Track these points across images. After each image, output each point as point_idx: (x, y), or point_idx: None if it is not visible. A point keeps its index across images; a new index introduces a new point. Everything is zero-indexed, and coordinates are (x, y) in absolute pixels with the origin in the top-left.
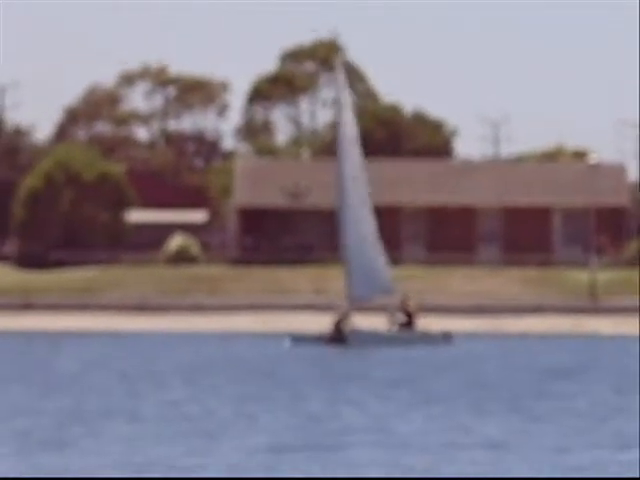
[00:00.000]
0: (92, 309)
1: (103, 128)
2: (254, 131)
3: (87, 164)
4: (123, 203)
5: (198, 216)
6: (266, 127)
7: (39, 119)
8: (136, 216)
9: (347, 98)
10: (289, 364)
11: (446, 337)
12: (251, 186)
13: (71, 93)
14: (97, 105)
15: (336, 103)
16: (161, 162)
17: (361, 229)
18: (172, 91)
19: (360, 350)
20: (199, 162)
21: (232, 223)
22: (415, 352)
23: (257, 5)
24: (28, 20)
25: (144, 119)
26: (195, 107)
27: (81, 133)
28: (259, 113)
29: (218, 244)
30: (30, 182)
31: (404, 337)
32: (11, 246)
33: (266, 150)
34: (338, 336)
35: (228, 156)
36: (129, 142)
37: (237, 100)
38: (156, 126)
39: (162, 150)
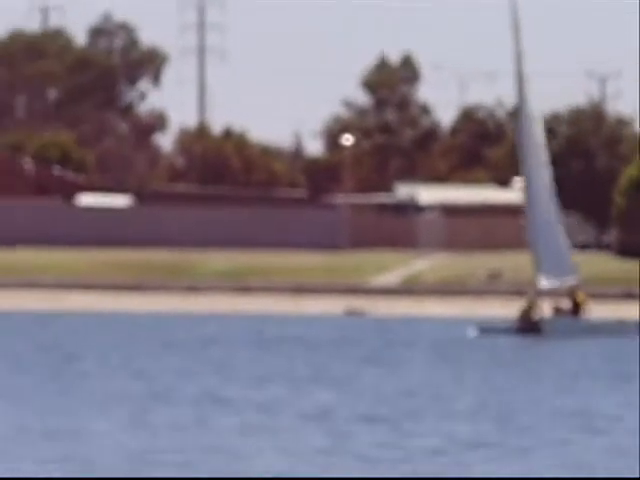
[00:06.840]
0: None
1: None
2: None
3: None
4: None
5: None
6: None
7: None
8: None
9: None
10: None
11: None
12: None
13: None
14: None
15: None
16: None
17: (546, 212)
18: None
19: (555, 341)
20: None
21: None
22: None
23: None
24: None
25: None
26: None
27: None
28: None
29: None
30: (631, 171)
31: (600, 326)
32: (612, 235)
33: None
34: (528, 326)
35: None
36: None
37: None
38: None
39: None
